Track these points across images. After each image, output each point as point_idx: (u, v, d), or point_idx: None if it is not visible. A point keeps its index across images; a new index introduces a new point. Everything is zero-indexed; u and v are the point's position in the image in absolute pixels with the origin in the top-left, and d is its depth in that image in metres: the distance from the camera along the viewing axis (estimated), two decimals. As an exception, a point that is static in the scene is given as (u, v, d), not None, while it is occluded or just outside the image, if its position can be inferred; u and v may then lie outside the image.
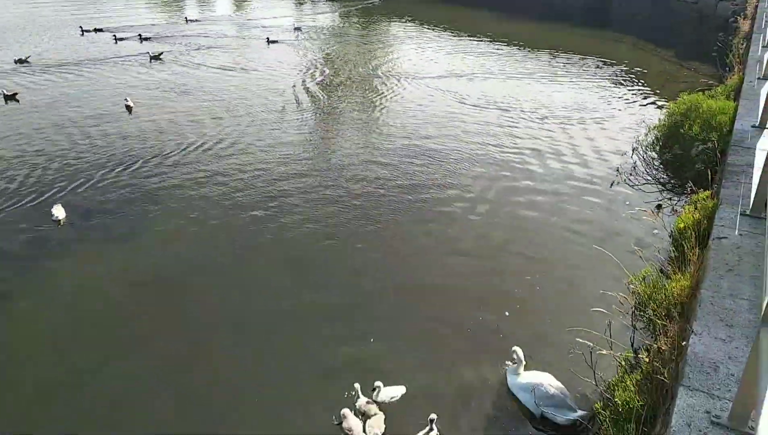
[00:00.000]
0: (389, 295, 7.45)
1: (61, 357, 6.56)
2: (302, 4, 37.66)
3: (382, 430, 5.20)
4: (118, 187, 10.81)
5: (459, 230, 9.22)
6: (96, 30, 27.04)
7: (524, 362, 5.54)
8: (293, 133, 13.43)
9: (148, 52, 21.77)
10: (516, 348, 5.63)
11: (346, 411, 5.41)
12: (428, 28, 27.54)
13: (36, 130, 13.83)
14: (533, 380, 5.25)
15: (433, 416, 5.26)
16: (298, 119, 14.43)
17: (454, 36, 25.74)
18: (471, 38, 24.94)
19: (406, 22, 29.65)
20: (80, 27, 27.17)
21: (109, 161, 12.00)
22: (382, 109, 15.42)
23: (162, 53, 21.65)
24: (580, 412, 5.01)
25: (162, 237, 9.11)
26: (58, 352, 6.64)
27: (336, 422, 5.37)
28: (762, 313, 2.84)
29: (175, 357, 6.46)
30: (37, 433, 5.56)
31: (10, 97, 16.46)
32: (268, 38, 24.34)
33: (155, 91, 17.38)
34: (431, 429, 5.24)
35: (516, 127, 13.92)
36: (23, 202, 10.23)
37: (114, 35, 25.56)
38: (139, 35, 25.46)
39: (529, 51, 22.78)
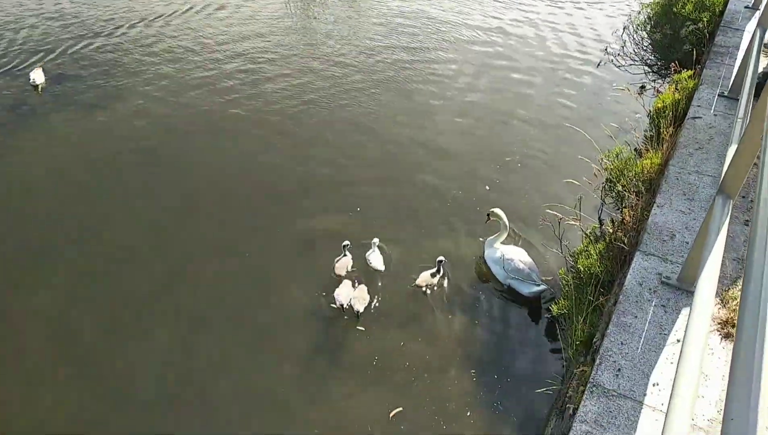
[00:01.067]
0: (372, 166, 7.56)
1: (36, 217, 6.70)
2: None
3: (366, 301, 5.46)
4: (101, 52, 10.40)
5: (441, 103, 9.15)
6: None
7: (507, 223, 5.72)
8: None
9: None
10: (496, 209, 5.78)
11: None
12: None
13: None
14: (506, 254, 5.55)
15: (442, 258, 5.63)
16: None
17: None
18: None
19: None
20: None
21: (91, 24, 11.47)
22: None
23: None
24: (542, 286, 5.37)
25: (141, 106, 8.94)
26: (33, 213, 6.77)
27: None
28: (720, 182, 3.03)
29: (158, 223, 6.62)
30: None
31: None
32: None
33: None
34: (439, 270, 5.62)
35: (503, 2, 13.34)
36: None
37: None
38: None
39: None
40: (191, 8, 12.36)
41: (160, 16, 11.88)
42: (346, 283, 5.47)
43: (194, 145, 8.11)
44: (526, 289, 5.41)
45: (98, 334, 5.24)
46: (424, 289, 5.61)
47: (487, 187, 7.16)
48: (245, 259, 6.02)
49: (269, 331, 5.26)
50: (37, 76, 9.29)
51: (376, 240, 5.89)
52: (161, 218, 6.67)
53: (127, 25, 11.48)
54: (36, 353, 5.07)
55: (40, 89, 9.23)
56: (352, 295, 5.37)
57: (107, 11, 12.17)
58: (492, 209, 5.82)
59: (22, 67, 9.91)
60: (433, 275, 5.62)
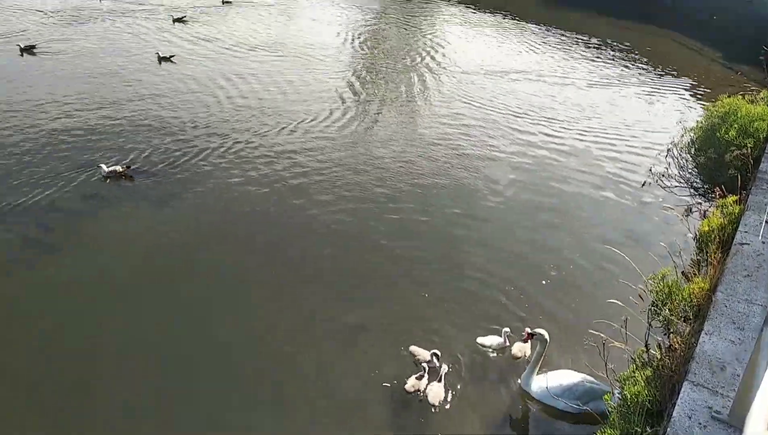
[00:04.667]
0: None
1: (104, 306, 7.04)
2: None
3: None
4: (172, 153, 11.32)
5: (487, 217, 9.38)
6: None
7: (547, 345, 5.66)
8: (330, 102, 13.70)
9: (171, 15, 22.00)
10: (540, 331, 5.73)
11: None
12: (475, 12, 27.08)
13: (65, 83, 14.51)
14: (564, 381, 5.40)
15: (436, 351, 5.96)
16: (335, 94, 14.66)
17: (499, 25, 25.38)
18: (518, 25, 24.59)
19: (459, 6, 29.07)
20: None
21: (150, 116, 12.74)
22: (419, 101, 15.54)
23: (186, 16, 22.00)
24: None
25: (202, 199, 9.72)
26: (101, 301, 7.11)
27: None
28: (766, 314, 2.99)
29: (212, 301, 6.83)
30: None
31: (27, 50, 16.99)
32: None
33: (186, 46, 18.37)
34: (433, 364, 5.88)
35: (553, 121, 13.90)
36: (70, 157, 10.84)
37: None
38: None
39: (572, 45, 22.37)
40: (273, 127, 13.35)
41: (234, 128, 12.86)
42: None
43: (256, 247, 8.55)
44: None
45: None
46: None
47: (527, 303, 7.12)
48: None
49: None
50: (107, 169, 10.17)
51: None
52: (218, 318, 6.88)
53: (205, 133, 12.39)
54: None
55: (107, 181, 10.09)
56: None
57: (186, 116, 13.25)
58: (536, 330, 5.78)
59: (98, 159, 10.81)
60: (418, 378, 5.83)
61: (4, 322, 7.01)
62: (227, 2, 25.21)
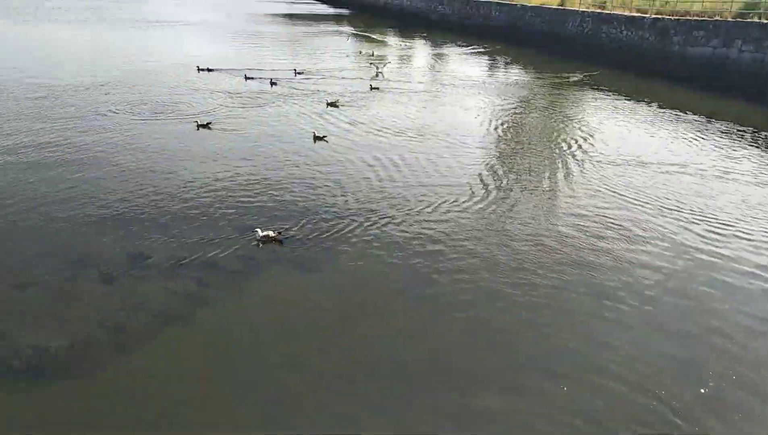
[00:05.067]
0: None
1: (252, 362, 7.51)
2: (494, 65, 37.65)
3: None
4: (325, 223, 12.14)
5: (627, 321, 8.71)
6: (208, 69, 30.14)
7: None
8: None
9: (326, 100, 23.90)
10: None
11: None
12: (638, 103, 26.20)
13: (234, 155, 16.28)
14: None
15: None
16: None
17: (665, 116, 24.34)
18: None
19: (614, 97, 28.38)
20: (197, 66, 30.40)
21: (303, 188, 13.94)
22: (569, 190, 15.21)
23: (338, 100, 23.77)
24: None
25: (346, 269, 10.29)
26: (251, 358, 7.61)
27: None
28: None
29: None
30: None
31: (204, 126, 19.28)
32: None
33: (337, 128, 19.92)
34: None
35: (710, 219, 12.80)
36: (231, 221, 12.06)
37: (245, 75, 28.70)
38: (270, 79, 27.83)
39: (736, 138, 20.72)
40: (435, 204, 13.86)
41: (380, 205, 13.49)
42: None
43: (409, 325, 8.77)
44: None
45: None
46: None
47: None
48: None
49: None
50: (263, 234, 11.04)
51: None
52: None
53: (353, 207, 13.10)
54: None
55: (260, 245, 10.95)
56: None
57: (336, 190, 14.12)
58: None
59: (254, 224, 11.81)
60: None
61: (162, 366, 7.75)
62: (375, 88, 27.13)
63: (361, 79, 29.38)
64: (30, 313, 8.84)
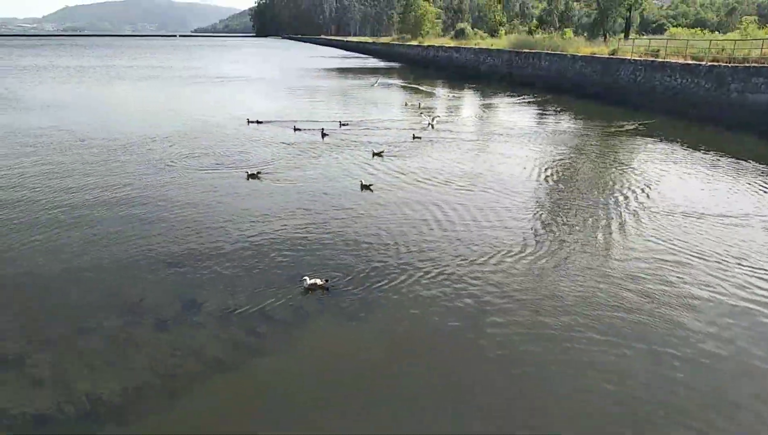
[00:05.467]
0: None
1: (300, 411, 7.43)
2: (545, 114, 37.40)
3: None
4: (373, 271, 12.17)
5: (684, 381, 8.19)
6: (258, 122, 31.13)
7: None
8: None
9: (372, 150, 24.19)
10: None
11: None
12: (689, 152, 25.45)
13: (281, 207, 16.57)
14: None
15: None
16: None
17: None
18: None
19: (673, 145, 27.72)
20: (247, 119, 31.47)
21: (351, 236, 14.06)
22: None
23: (383, 151, 24.00)
24: None
25: (393, 320, 10.13)
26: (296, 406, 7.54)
27: None
28: None
29: None
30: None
31: (253, 176, 19.79)
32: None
33: (383, 177, 20.18)
34: None
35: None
36: (280, 269, 12.26)
37: (294, 126, 29.57)
38: (322, 130, 28.58)
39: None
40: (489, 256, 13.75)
41: (428, 255, 13.43)
42: None
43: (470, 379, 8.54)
44: None
45: None
46: None
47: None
48: None
49: None
50: (310, 281, 11.15)
51: None
52: None
53: (400, 256, 13.06)
54: None
55: (308, 293, 11.04)
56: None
57: (384, 238, 14.15)
58: None
59: (302, 272, 11.87)
60: None
61: (210, 413, 7.79)
62: (417, 138, 27.60)
63: (409, 129, 29.84)
64: (86, 358, 9.09)
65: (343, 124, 31.08)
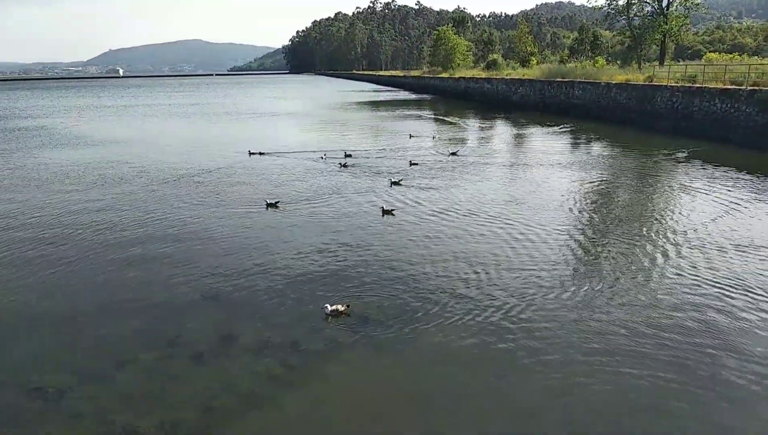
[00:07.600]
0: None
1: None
2: (579, 142, 36.82)
3: None
4: (399, 300, 12.02)
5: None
6: (260, 153, 31.87)
7: None
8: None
9: (390, 179, 24.40)
10: None
11: None
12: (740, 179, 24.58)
13: (299, 231, 16.59)
14: None
15: None
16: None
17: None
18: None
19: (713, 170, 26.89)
20: (249, 151, 32.26)
21: (372, 263, 13.95)
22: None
23: (402, 180, 24.14)
24: None
25: (416, 353, 9.90)
26: None
27: None
28: None
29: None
30: None
31: (272, 205, 20.02)
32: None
33: (403, 204, 20.20)
34: None
35: None
36: (300, 296, 12.23)
37: (322, 156, 30.38)
38: (344, 155, 29.38)
39: None
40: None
41: (457, 292, 13.14)
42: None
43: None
44: None
45: None
46: None
47: None
48: None
49: None
50: (332, 308, 11.18)
51: None
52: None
53: (421, 287, 12.80)
54: None
55: (330, 319, 11.07)
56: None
57: (406, 266, 13.88)
58: None
59: (324, 299, 11.86)
60: None
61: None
62: (414, 164, 28.52)
63: (438, 159, 29.91)
64: (124, 391, 9.11)
65: (350, 155, 31.10)
